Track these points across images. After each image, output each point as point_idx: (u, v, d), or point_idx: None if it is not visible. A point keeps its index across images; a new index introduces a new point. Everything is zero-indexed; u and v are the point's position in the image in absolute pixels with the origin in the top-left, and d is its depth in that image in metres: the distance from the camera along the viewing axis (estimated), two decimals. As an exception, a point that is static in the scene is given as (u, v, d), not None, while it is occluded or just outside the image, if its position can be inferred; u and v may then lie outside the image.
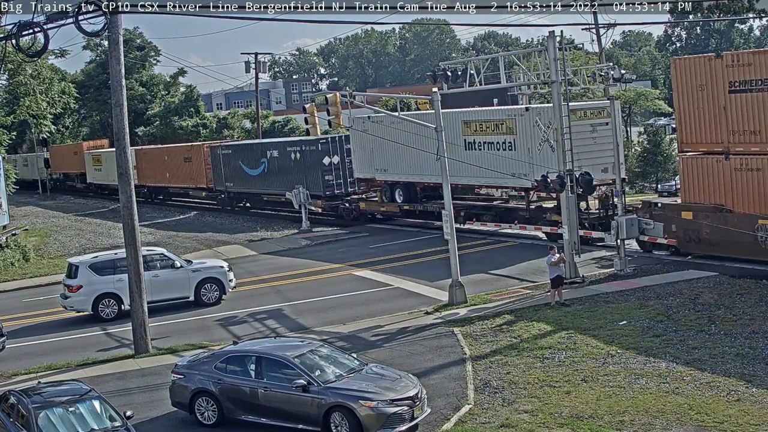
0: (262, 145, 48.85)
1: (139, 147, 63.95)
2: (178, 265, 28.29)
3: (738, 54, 26.43)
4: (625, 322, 21.73)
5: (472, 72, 28.76)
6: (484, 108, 35.08)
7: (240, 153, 49.72)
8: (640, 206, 30.61)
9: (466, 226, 35.20)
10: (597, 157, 30.36)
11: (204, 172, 52.66)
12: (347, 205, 42.80)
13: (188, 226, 47.87)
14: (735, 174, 26.71)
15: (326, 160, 42.15)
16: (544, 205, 33.83)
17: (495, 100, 40.24)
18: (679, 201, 29.77)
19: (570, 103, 24.73)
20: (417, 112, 28.29)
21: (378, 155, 39.20)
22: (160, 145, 62.44)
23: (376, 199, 40.88)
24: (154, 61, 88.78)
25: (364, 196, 42.30)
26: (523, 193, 33.67)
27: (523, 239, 34.54)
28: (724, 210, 27.06)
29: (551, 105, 27.21)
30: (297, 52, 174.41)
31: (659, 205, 30.08)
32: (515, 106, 30.54)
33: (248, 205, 51.10)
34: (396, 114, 31.39)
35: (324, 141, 42.50)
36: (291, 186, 43.25)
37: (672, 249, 29.09)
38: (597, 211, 32.09)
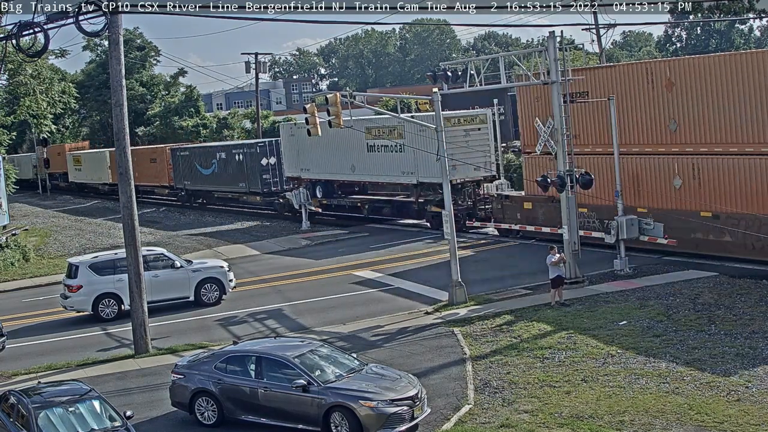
0: (213, 147, 53.79)
1: (112, 149, 66.94)
2: (178, 265, 28.30)
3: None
4: (625, 322, 21.73)
5: (472, 72, 28.75)
6: (379, 116, 37.94)
7: (195, 155, 54.60)
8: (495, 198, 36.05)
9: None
10: (470, 157, 34.76)
11: (166, 171, 57.75)
12: (281, 200, 47.32)
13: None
14: None
15: (264, 161, 47.02)
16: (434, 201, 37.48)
17: (495, 101, 40.32)
18: (523, 194, 34.78)
19: (444, 112, 26.22)
20: (401, 115, 31.08)
21: (303, 157, 44.17)
22: (131, 147, 65.71)
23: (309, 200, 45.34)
24: (154, 61, 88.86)
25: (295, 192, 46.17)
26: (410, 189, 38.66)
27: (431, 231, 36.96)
28: (555, 200, 30.05)
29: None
30: (297, 52, 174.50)
31: (508, 197, 35.19)
32: (404, 115, 33.43)
33: (204, 201, 56.24)
34: (397, 115, 31.38)
35: (262, 144, 47.82)
36: (236, 183, 49.29)
37: (519, 234, 34.59)
38: (468, 203, 37.26)
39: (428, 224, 38.75)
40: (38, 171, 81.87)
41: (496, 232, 35.98)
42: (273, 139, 49.03)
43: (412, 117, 33.63)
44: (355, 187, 43.38)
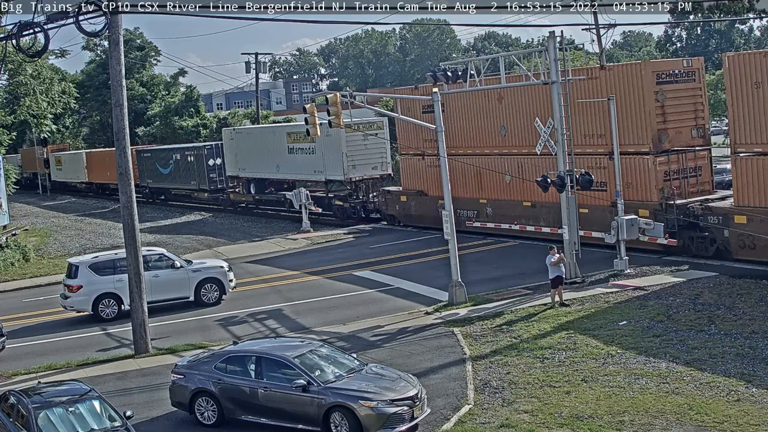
0: (170, 149, 59.71)
1: (88, 150, 76.61)
2: (178, 265, 28.30)
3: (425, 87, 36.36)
4: (625, 322, 21.73)
5: (472, 72, 28.76)
6: (298, 123, 45.89)
7: (156, 156, 60.63)
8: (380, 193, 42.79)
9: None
10: (368, 159, 42.58)
11: (132, 170, 60.49)
12: (224, 196, 53.90)
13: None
14: (427, 169, 38.41)
15: (210, 162, 53.62)
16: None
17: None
18: (400, 189, 41.39)
19: (346, 120, 27.81)
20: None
21: (240, 158, 51.21)
22: (103, 149, 73.41)
23: (240, 191, 52.41)
24: (154, 61, 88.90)
25: (235, 189, 53.17)
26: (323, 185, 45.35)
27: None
28: (423, 194, 39.17)
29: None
30: (297, 52, 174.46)
31: (389, 191, 42.22)
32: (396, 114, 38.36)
33: (164, 197, 62.10)
34: (398, 115, 31.39)
35: (209, 147, 54.49)
36: (188, 181, 55.82)
37: (398, 222, 41.44)
38: (362, 197, 43.92)
39: (334, 216, 44.85)
40: (23, 171, 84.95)
41: (385, 222, 43.01)
42: (218, 142, 54.91)
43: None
44: (284, 185, 48.87)
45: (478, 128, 36.02)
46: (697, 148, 30.39)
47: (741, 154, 26.74)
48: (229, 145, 52.05)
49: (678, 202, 28.62)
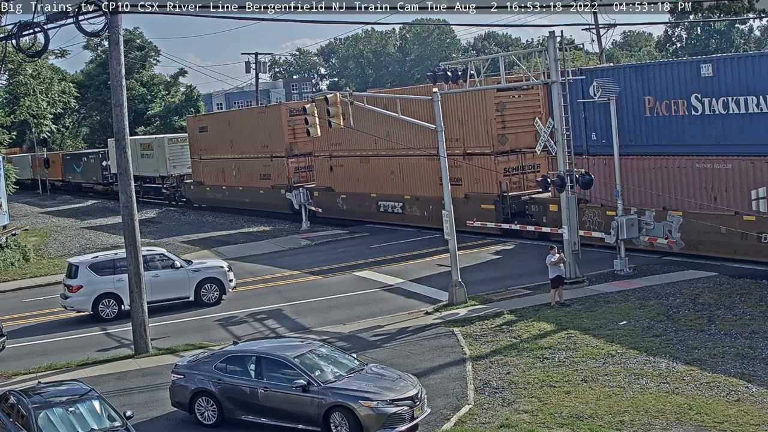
0: (81, 153, 79.09)
1: (33, 153, 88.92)
2: (178, 265, 28.30)
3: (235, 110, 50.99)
4: (625, 322, 21.72)
5: (472, 72, 28.75)
6: (146, 136, 67.40)
7: (74, 158, 78.85)
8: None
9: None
10: (183, 162, 58.87)
11: (60, 169, 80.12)
12: (112, 188, 64.11)
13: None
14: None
15: (104, 163, 69.07)
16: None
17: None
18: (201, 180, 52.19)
19: (169, 135, 38.72)
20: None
21: (113, 160, 60.22)
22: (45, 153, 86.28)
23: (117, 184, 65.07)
24: (154, 61, 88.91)
25: (115, 183, 64.51)
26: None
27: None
28: (227, 187, 52.03)
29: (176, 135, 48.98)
30: (297, 52, 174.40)
31: (190, 183, 55.46)
32: (159, 136, 62.11)
33: (79, 189, 78.03)
34: (398, 115, 31.36)
35: (103, 152, 69.87)
36: (91, 177, 72.73)
37: (192, 203, 54.98)
38: (178, 187, 59.64)
39: (164, 198, 61.75)
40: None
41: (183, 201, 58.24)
42: (108, 149, 69.03)
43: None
44: (139, 180, 57.81)
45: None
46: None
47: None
48: (111, 152, 64.99)
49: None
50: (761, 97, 24.78)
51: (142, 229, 24.40)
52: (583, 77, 29.38)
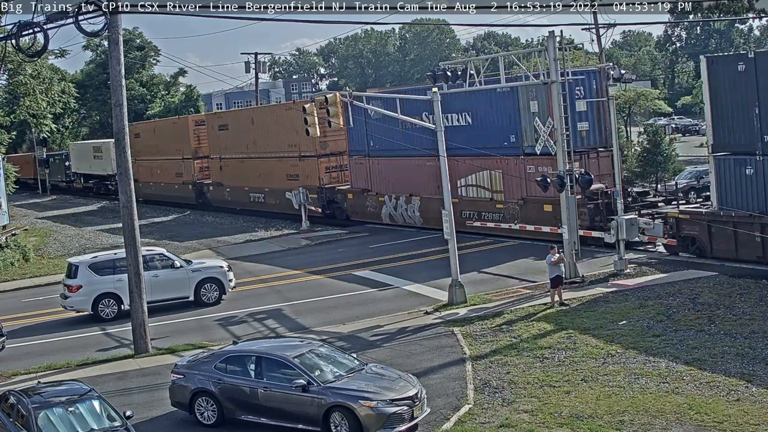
0: (50, 155, 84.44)
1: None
2: (178, 265, 28.29)
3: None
4: (624, 322, 21.73)
5: (472, 72, 28.76)
6: (99, 140, 73.74)
7: (44, 159, 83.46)
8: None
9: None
10: (104, 164, 66.98)
11: (33, 169, 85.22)
12: (73, 185, 77.63)
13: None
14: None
15: (66, 163, 78.19)
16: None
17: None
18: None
19: (94, 141, 47.60)
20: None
21: (75, 161, 76.11)
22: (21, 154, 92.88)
23: (77, 181, 76.71)
24: (154, 61, 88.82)
25: (75, 181, 77.43)
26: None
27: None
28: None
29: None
30: (297, 52, 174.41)
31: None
32: (107, 141, 65.49)
33: (50, 186, 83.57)
34: (398, 115, 31.38)
35: (66, 153, 79.76)
36: (56, 176, 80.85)
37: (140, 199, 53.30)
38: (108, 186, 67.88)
39: (108, 193, 67.14)
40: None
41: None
42: (69, 151, 79.92)
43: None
44: (92, 178, 72.78)
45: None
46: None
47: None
48: (71, 154, 77.67)
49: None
50: (465, 113, 35.63)
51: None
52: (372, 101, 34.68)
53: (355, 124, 34.67)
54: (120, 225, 24.44)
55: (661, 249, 30.25)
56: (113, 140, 63.55)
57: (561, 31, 27.09)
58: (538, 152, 30.84)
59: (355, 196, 42.80)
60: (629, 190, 33.36)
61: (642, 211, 30.54)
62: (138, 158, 60.50)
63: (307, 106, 28.16)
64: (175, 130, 59.46)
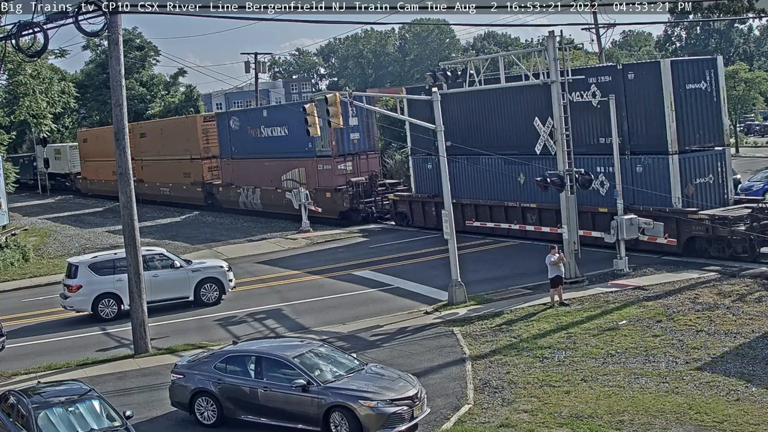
0: (19, 156, 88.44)
1: None
2: (178, 265, 28.30)
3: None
4: (624, 321, 21.73)
5: (471, 72, 28.77)
6: (57, 144, 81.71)
7: (15, 160, 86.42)
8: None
9: None
10: (62, 165, 77.15)
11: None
12: (41, 183, 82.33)
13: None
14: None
15: (35, 163, 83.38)
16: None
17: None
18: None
19: (70, 143, 56.24)
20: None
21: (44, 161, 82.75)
22: None
23: (45, 182, 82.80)
24: (154, 61, 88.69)
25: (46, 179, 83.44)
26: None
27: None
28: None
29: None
30: (296, 52, 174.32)
31: (81, 177, 72.12)
32: (65, 144, 78.83)
33: (19, 184, 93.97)
34: (398, 115, 31.36)
35: (33, 156, 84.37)
36: (25, 174, 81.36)
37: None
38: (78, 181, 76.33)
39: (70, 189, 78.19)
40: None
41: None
42: (36, 153, 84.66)
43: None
44: (56, 176, 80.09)
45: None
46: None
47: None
48: (38, 154, 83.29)
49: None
50: (284, 127, 46.59)
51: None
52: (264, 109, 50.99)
53: (225, 133, 52.04)
54: (115, 226, 24.41)
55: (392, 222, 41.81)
56: (70, 144, 68.07)
57: (561, 31, 27.20)
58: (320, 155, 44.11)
59: (224, 189, 53.63)
60: (376, 182, 43.70)
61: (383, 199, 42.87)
62: (87, 160, 74.45)
63: (307, 106, 28.22)
64: (108, 135, 71.74)
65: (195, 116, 61.40)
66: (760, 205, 28.16)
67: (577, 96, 30.13)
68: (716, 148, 29.53)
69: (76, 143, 78.29)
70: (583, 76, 30.00)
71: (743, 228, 26.97)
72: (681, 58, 39.99)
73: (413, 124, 28.87)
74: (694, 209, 28.22)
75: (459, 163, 35.03)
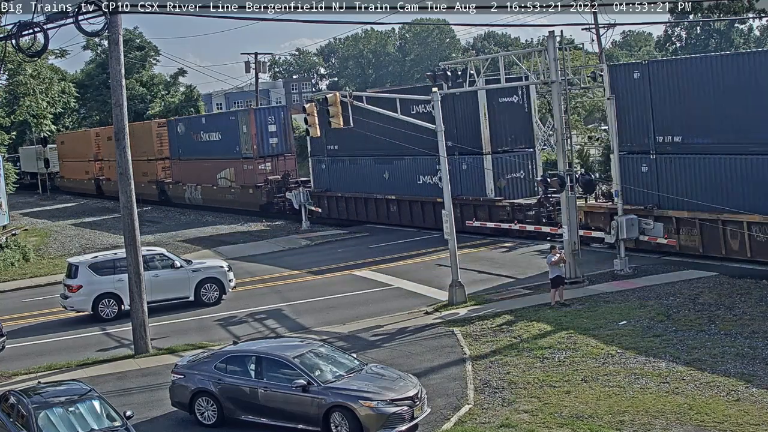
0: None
1: None
2: (178, 264, 28.29)
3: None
4: (625, 322, 21.73)
5: (472, 72, 28.76)
6: (36, 146, 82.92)
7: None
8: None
9: None
10: (50, 162, 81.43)
11: None
12: (23, 182, 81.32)
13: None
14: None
15: (17, 164, 79.91)
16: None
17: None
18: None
19: (51, 145, 66.01)
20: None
21: (25, 161, 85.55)
22: None
23: (25, 179, 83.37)
24: (154, 61, 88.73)
25: (24, 178, 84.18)
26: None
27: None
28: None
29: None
30: (297, 52, 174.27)
31: (61, 176, 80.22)
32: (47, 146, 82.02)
33: None
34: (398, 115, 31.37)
35: (17, 156, 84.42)
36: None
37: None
38: (55, 180, 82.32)
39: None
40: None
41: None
42: (19, 154, 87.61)
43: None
44: (32, 175, 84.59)
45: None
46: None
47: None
48: (21, 156, 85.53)
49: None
50: (218, 132, 53.53)
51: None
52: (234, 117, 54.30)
53: (174, 137, 58.23)
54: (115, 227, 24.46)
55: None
56: (50, 146, 74.64)
57: (561, 31, 27.19)
58: (250, 156, 50.07)
59: (173, 186, 59.51)
60: (289, 179, 47.82)
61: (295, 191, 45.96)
62: (64, 160, 79.95)
63: (307, 106, 28.23)
64: (85, 139, 75.02)
65: (150, 122, 66.18)
66: (545, 196, 32.82)
67: (422, 108, 34.43)
68: (527, 150, 36.55)
69: (55, 145, 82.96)
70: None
71: (533, 213, 33.30)
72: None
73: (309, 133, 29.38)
74: (501, 198, 35.17)
75: (343, 162, 43.74)
